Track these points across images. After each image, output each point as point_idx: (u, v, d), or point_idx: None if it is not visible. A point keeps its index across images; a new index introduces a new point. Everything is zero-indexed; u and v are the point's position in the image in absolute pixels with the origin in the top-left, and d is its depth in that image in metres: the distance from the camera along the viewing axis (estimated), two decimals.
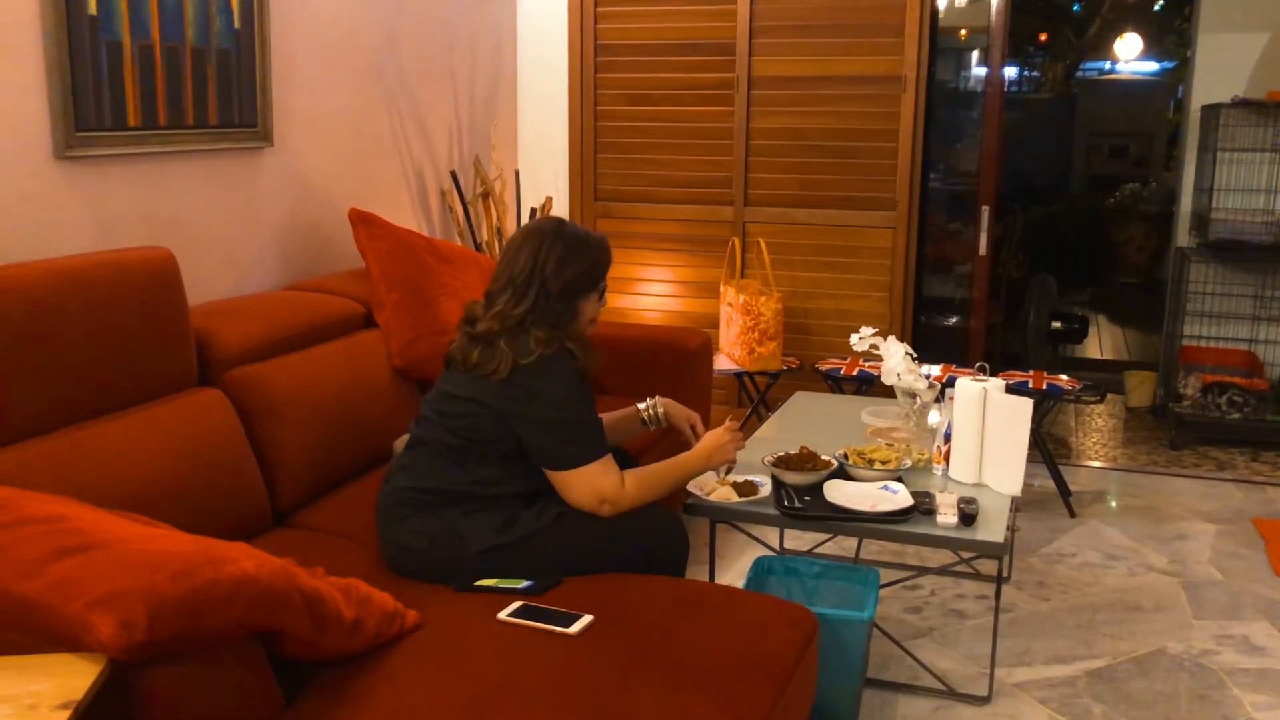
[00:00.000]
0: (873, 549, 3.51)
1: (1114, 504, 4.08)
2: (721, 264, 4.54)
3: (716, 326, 4.44)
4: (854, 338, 3.26)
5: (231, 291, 3.12)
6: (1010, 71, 9.89)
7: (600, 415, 2.56)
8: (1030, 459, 2.59)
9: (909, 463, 2.73)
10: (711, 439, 2.55)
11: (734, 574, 3.28)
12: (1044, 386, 3.88)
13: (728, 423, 2.60)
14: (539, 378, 2.27)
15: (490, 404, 2.29)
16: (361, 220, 3.18)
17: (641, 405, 2.72)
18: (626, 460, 2.53)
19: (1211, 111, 4.71)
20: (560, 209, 4.71)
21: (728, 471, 2.66)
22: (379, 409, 2.97)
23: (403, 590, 2.10)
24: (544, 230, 2.39)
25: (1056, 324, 6.31)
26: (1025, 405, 2.59)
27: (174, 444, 2.36)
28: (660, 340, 3.79)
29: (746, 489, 2.58)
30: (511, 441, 2.31)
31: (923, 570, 3.26)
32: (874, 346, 3.14)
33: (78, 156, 2.59)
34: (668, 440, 3.20)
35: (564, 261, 2.35)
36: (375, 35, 3.73)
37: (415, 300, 3.15)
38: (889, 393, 3.19)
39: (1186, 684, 2.76)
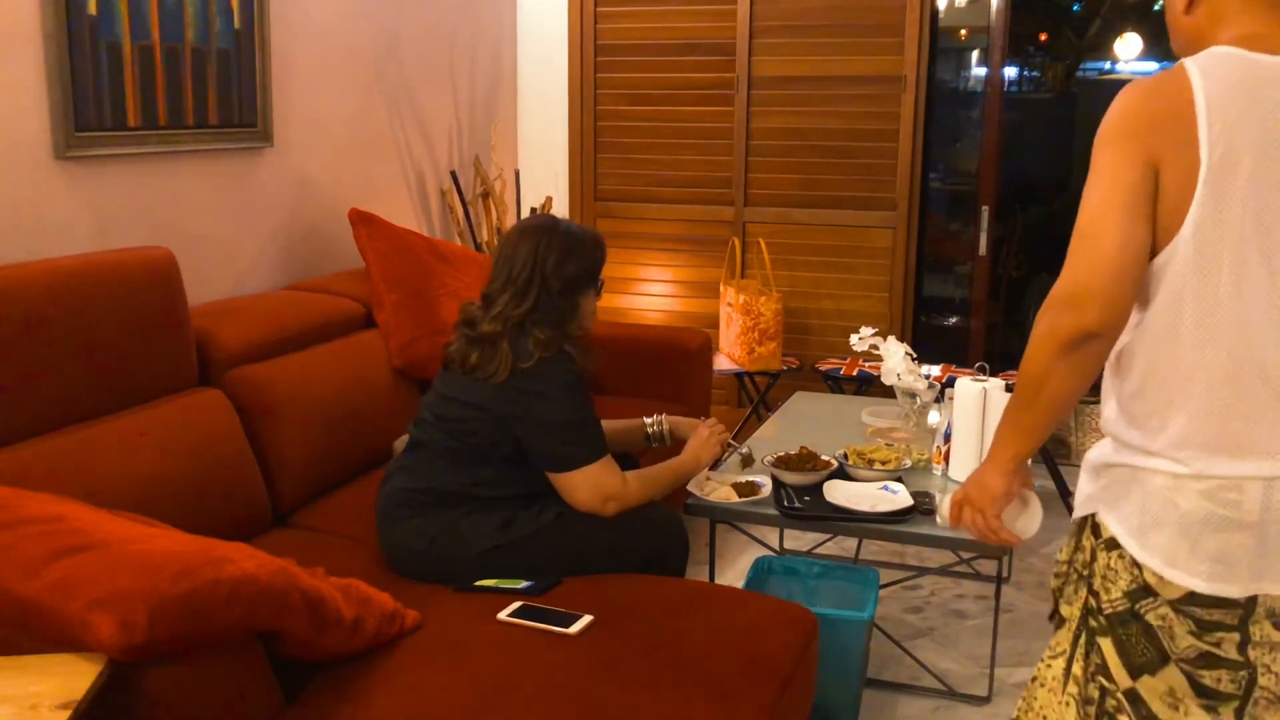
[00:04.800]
0: (873, 549, 3.50)
1: None
2: (721, 264, 4.54)
3: (716, 326, 4.44)
4: (854, 338, 3.26)
5: (231, 291, 3.12)
6: (1010, 71, 9.88)
7: (603, 421, 2.56)
8: (1034, 459, 2.59)
9: (909, 463, 2.73)
10: (694, 440, 2.58)
11: (734, 574, 3.28)
12: None
13: (704, 420, 2.64)
14: (537, 380, 2.26)
15: (489, 408, 2.28)
16: (361, 220, 3.18)
17: (648, 420, 2.72)
18: (627, 462, 2.53)
19: None
20: (560, 209, 4.71)
21: (744, 463, 2.68)
22: (379, 409, 2.97)
23: (403, 590, 2.10)
24: (541, 228, 2.38)
25: None
26: None
27: (174, 444, 2.36)
28: (660, 340, 3.80)
29: (747, 489, 2.58)
30: (511, 444, 2.30)
31: (923, 570, 3.26)
32: (874, 346, 3.14)
33: (78, 156, 2.59)
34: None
35: (564, 259, 2.34)
36: (375, 35, 3.73)
37: (415, 300, 3.15)
38: (889, 393, 3.20)
39: None
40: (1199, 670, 1.50)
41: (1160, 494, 1.48)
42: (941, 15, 4.64)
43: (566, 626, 2.00)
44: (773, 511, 2.52)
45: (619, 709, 1.77)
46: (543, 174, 4.81)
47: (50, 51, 2.49)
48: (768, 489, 2.59)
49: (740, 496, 2.55)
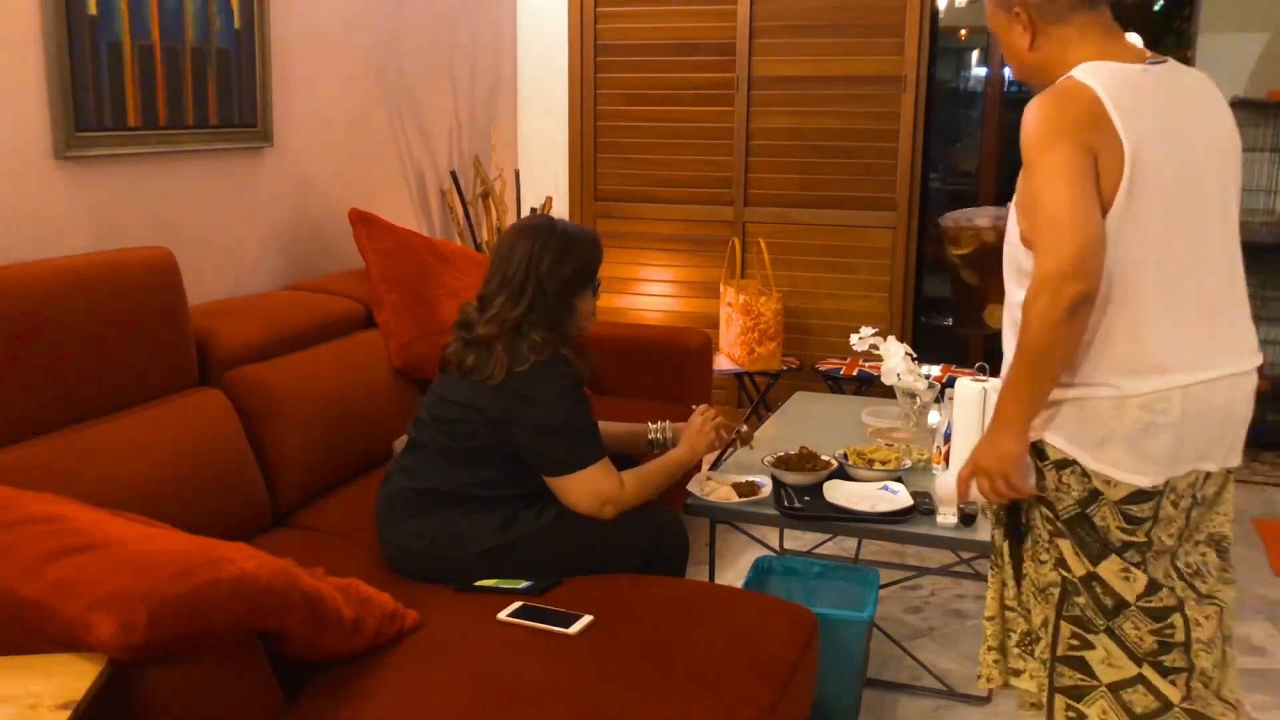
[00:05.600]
0: (873, 549, 3.50)
1: None
2: (721, 264, 4.55)
3: (716, 326, 4.44)
4: (854, 338, 3.26)
5: (231, 291, 3.12)
6: (1010, 71, 9.87)
7: (606, 424, 2.56)
8: None
9: (909, 463, 2.73)
10: (688, 430, 2.57)
11: (734, 574, 3.28)
12: None
13: (696, 409, 2.61)
14: (532, 384, 2.26)
15: (485, 410, 2.28)
16: (361, 220, 3.18)
17: (651, 426, 2.71)
18: (626, 461, 2.53)
19: None
20: (560, 209, 4.71)
21: (741, 441, 2.67)
22: (379, 409, 2.97)
23: (403, 590, 2.10)
24: (536, 229, 2.36)
25: None
26: None
27: (174, 444, 2.36)
28: (660, 340, 3.80)
29: (747, 489, 2.58)
30: (509, 447, 2.30)
31: (923, 570, 3.26)
32: (874, 346, 3.14)
33: (78, 156, 2.59)
34: None
35: (559, 260, 2.32)
36: (375, 35, 3.73)
37: (415, 300, 3.15)
38: (889, 393, 3.20)
39: None
40: (1124, 554, 1.86)
41: (1106, 414, 1.80)
42: (941, 15, 4.64)
43: (566, 626, 2.00)
44: (773, 511, 2.52)
45: (619, 709, 1.77)
46: (543, 174, 4.81)
47: (50, 51, 2.49)
48: (768, 489, 2.59)
49: (740, 496, 2.55)
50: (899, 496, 2.53)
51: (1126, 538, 1.84)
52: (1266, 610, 3.18)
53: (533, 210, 4.25)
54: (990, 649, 2.06)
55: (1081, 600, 1.89)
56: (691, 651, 1.95)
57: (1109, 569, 1.86)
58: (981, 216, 2.22)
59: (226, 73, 3.02)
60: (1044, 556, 1.93)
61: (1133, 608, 1.86)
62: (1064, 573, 1.89)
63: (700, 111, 4.56)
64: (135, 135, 2.74)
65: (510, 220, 4.28)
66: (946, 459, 2.74)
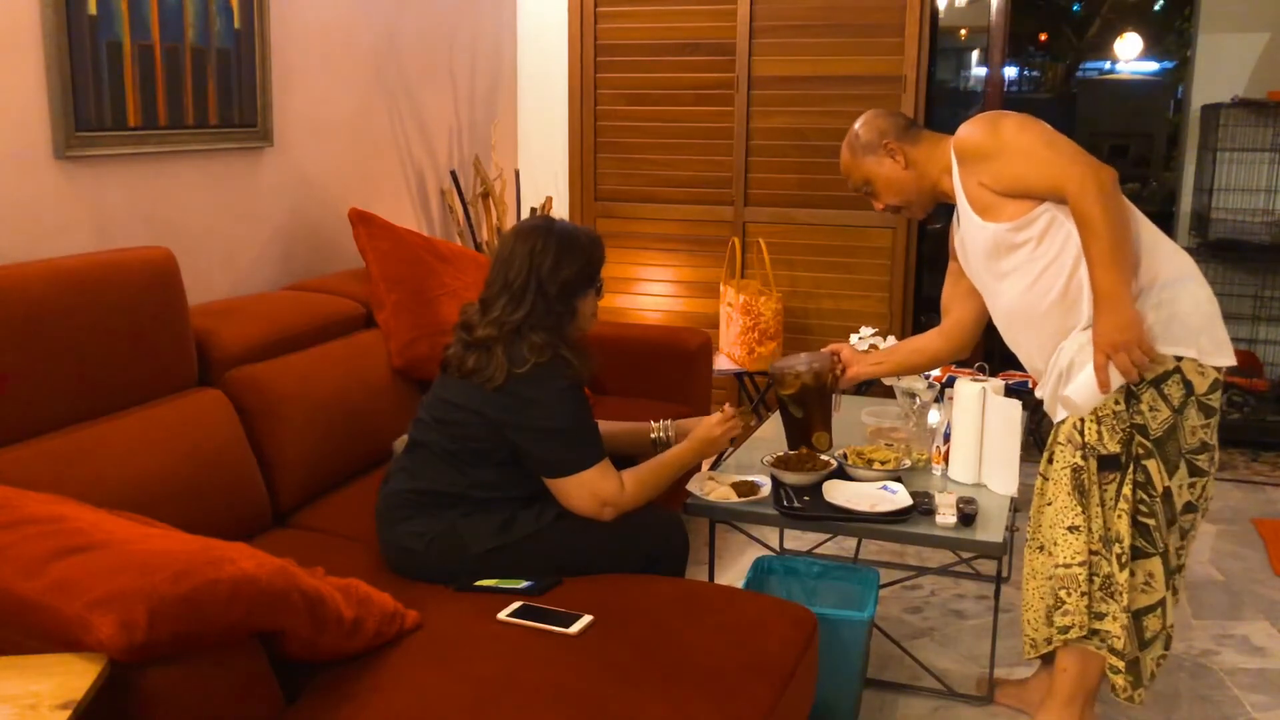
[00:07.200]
0: (872, 549, 3.51)
1: None
2: (721, 264, 4.54)
3: (716, 326, 4.44)
4: (854, 337, 3.26)
5: (231, 291, 3.12)
6: (1010, 71, 9.87)
7: (608, 424, 2.55)
8: (1029, 459, 2.59)
9: (908, 463, 2.73)
10: (704, 430, 2.56)
11: (734, 574, 3.28)
12: None
13: (726, 409, 2.60)
14: (532, 386, 2.26)
15: (485, 413, 2.28)
16: (361, 220, 3.18)
17: (655, 424, 2.70)
18: (626, 462, 2.52)
19: (1211, 111, 4.71)
20: (560, 209, 4.71)
21: (728, 451, 2.68)
22: (379, 409, 2.97)
23: (403, 590, 2.10)
24: (535, 231, 2.36)
25: None
26: (1015, 407, 2.59)
27: (174, 444, 2.36)
28: (660, 340, 3.80)
29: (746, 489, 2.58)
30: (508, 449, 2.30)
31: (923, 570, 3.26)
32: (874, 346, 3.14)
33: (78, 156, 2.59)
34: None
35: (559, 261, 2.32)
36: (375, 35, 3.73)
37: (415, 300, 3.15)
38: (889, 393, 3.19)
39: (1186, 684, 2.76)
40: (1197, 457, 2.18)
41: (1191, 308, 2.14)
42: (941, 15, 4.64)
43: (566, 626, 2.00)
44: (772, 511, 2.52)
45: (619, 709, 1.77)
46: (543, 174, 4.81)
47: (50, 51, 2.49)
48: (767, 489, 2.59)
49: (740, 496, 2.55)
50: (899, 496, 2.53)
51: (1204, 436, 2.15)
52: (1266, 610, 3.18)
53: (533, 210, 4.25)
54: (1084, 594, 2.19)
55: (1153, 523, 2.16)
56: (691, 651, 1.95)
57: (1176, 482, 2.16)
58: (800, 364, 2.72)
59: (226, 73, 3.02)
60: (1125, 489, 2.18)
61: (1176, 524, 2.19)
62: (1142, 495, 2.15)
63: (700, 111, 4.56)
64: (135, 135, 2.74)
65: (510, 220, 4.28)
66: (946, 459, 2.74)
